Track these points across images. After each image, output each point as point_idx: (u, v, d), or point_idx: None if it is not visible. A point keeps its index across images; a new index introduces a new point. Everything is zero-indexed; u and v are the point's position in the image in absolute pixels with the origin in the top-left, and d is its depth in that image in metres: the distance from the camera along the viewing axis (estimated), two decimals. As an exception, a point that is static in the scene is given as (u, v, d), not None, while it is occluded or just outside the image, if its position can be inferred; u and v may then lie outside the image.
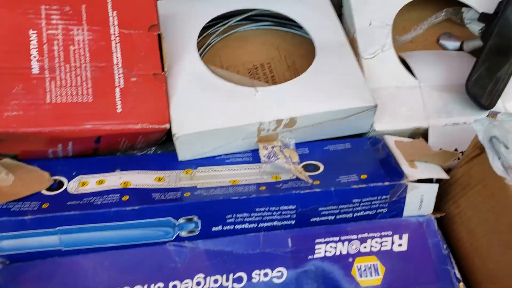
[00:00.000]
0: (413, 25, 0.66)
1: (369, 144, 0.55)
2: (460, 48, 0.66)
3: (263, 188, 0.49)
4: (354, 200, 0.49)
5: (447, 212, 0.53)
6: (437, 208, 0.54)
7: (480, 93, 0.55)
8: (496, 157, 0.46)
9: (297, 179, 0.50)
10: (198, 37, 0.62)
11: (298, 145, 0.55)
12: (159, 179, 0.50)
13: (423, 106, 0.57)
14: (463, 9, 0.67)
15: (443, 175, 0.51)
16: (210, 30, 0.65)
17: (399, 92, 0.57)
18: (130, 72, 0.50)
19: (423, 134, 0.57)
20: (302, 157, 0.54)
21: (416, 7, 0.66)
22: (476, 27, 0.66)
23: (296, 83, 0.55)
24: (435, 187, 0.50)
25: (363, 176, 0.50)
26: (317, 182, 0.49)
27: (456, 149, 0.56)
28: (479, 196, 0.49)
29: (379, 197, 0.49)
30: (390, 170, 0.50)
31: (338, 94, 0.54)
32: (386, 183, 0.49)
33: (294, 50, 0.65)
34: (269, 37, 0.67)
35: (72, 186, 0.49)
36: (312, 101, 0.53)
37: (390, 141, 0.55)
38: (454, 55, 0.64)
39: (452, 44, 0.66)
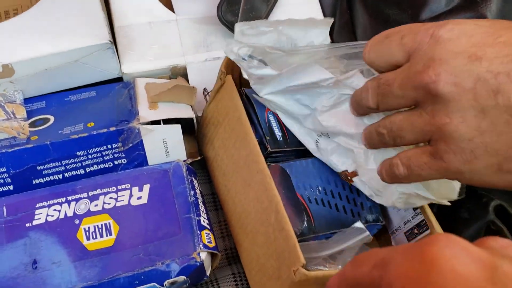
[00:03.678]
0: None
1: (117, 89, 0.48)
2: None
3: (-36, 152, 0.40)
4: (79, 153, 0.42)
5: (207, 155, 0.48)
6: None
7: (234, 20, 0.50)
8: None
9: (16, 137, 0.42)
10: None
11: (34, 99, 0.47)
12: None
13: (180, 41, 0.51)
14: None
15: (187, 114, 0.45)
16: None
17: (152, 29, 0.51)
18: None
19: (184, 73, 0.51)
20: (36, 112, 0.46)
21: None
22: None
23: (12, 24, 0.46)
24: (177, 128, 0.44)
25: (90, 125, 0.43)
26: (35, 138, 0.42)
27: (221, 87, 0.51)
28: (225, 133, 0.44)
29: (108, 146, 0.42)
30: (124, 114, 0.44)
31: (65, 34, 0.46)
32: (112, 129, 0.42)
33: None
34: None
35: None
36: (32, 44, 0.45)
37: (141, 83, 0.48)
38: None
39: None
